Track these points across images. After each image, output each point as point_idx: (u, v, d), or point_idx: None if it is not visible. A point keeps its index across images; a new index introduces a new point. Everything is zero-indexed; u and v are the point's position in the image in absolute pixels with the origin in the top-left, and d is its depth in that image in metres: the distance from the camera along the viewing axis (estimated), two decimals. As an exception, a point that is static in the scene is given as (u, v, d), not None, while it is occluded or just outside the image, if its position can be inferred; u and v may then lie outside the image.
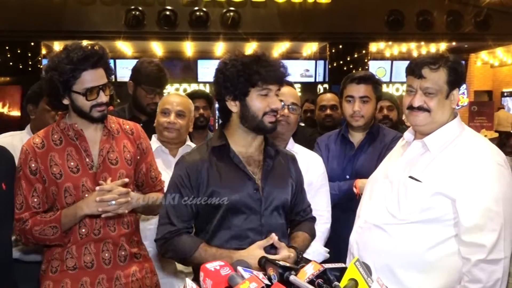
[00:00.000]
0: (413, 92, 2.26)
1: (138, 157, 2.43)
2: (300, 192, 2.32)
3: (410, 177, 2.23)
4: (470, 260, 2.07)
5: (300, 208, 2.32)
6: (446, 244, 2.16)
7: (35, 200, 2.24)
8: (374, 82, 3.05)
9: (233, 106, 2.11)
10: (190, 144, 3.00)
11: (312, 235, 2.33)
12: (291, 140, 2.87)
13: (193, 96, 3.62)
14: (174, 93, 3.16)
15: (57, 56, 2.22)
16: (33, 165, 2.24)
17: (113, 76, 2.51)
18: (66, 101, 2.27)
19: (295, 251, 2.09)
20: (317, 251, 2.66)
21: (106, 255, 2.29)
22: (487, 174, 2.12)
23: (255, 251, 1.98)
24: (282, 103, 2.75)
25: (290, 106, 2.76)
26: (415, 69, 2.23)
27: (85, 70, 2.21)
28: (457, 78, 2.24)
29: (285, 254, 2.01)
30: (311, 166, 2.74)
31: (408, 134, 2.40)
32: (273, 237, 2.02)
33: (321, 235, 2.69)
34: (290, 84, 2.87)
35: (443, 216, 2.15)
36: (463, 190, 2.11)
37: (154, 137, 3.00)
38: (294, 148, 2.82)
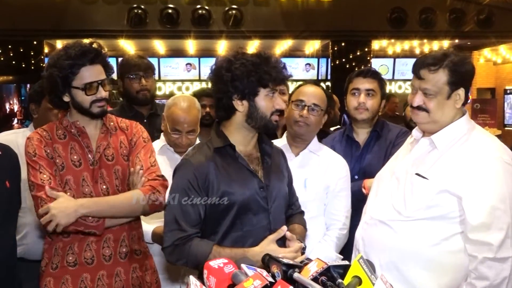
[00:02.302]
0: (414, 91, 2.27)
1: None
2: (291, 184, 2.36)
3: (417, 174, 2.22)
4: (477, 258, 2.06)
5: (292, 201, 2.35)
6: (452, 242, 2.15)
7: (57, 178, 2.24)
8: (380, 79, 3.07)
9: (240, 105, 2.10)
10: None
11: (305, 228, 2.36)
12: (315, 141, 2.81)
13: (201, 94, 3.62)
14: (184, 109, 2.85)
15: (56, 54, 2.26)
16: (48, 150, 2.27)
17: (114, 74, 2.51)
18: (66, 98, 2.29)
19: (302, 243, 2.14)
20: (329, 257, 2.63)
21: (107, 251, 2.31)
22: (493, 173, 2.11)
23: (268, 246, 2.00)
24: (301, 103, 2.73)
25: (310, 107, 2.70)
26: (415, 69, 2.25)
27: (84, 66, 2.24)
28: (460, 78, 2.21)
29: (296, 246, 2.06)
30: (331, 168, 2.72)
31: (416, 132, 2.40)
32: (284, 230, 2.06)
33: (335, 240, 2.68)
34: (318, 84, 2.85)
35: (449, 213, 2.15)
36: (470, 188, 2.10)
37: (162, 135, 2.99)
38: (321, 150, 2.79)
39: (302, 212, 2.42)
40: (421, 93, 2.24)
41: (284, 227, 2.07)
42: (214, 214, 2.09)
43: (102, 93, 2.29)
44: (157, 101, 3.78)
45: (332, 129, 4.31)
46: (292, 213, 2.35)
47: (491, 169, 2.12)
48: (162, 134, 3.00)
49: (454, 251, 2.15)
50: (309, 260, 2.48)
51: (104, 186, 2.32)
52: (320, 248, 2.64)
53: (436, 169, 2.19)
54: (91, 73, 2.26)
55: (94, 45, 2.30)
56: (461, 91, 2.24)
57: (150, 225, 2.77)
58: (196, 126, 2.90)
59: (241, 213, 2.08)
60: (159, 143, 2.97)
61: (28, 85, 8.86)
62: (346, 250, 2.73)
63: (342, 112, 5.42)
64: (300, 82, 2.92)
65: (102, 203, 2.23)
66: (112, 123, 2.43)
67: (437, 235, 2.16)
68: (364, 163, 3.01)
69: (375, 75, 3.05)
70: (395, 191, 2.30)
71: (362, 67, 7.78)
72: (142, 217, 2.52)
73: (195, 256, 2.03)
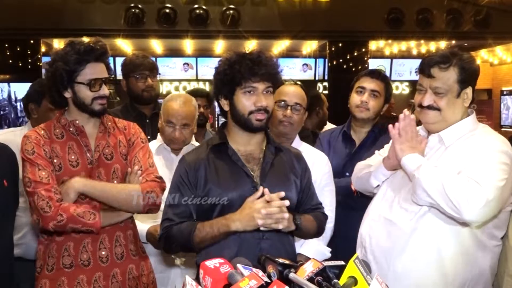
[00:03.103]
0: (423, 90, 2.26)
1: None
2: (308, 189, 2.31)
3: None
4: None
5: (309, 205, 2.31)
6: (461, 241, 2.14)
7: (55, 179, 2.25)
8: (386, 82, 3.11)
9: (225, 105, 2.17)
10: (194, 143, 2.98)
11: (318, 223, 2.28)
12: (297, 139, 2.87)
13: (194, 94, 3.63)
14: (179, 102, 2.90)
15: (63, 49, 2.29)
16: (46, 149, 2.27)
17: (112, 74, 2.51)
18: (67, 94, 2.30)
19: (293, 215, 2.09)
20: (318, 251, 2.65)
21: (103, 253, 2.31)
22: (493, 160, 2.10)
23: (246, 205, 2.02)
24: (283, 103, 2.75)
25: (292, 106, 2.76)
26: (425, 68, 2.23)
27: (89, 62, 2.27)
28: (468, 77, 2.22)
29: (277, 202, 1.99)
30: (316, 165, 2.74)
31: (422, 131, 2.40)
32: (262, 189, 2.03)
33: (323, 234, 2.69)
34: (296, 83, 2.88)
35: None
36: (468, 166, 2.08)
37: (159, 135, 3.00)
38: (301, 146, 2.80)
39: (324, 214, 2.36)
40: (431, 92, 2.23)
41: (261, 188, 2.03)
42: (203, 210, 2.13)
43: (105, 90, 2.32)
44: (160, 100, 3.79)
45: (326, 128, 4.34)
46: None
47: (492, 158, 2.10)
48: (158, 134, 3.01)
49: (462, 251, 2.14)
50: (302, 256, 2.51)
51: None
52: (310, 241, 2.65)
53: (442, 164, 2.18)
54: (96, 70, 2.29)
55: (100, 43, 2.33)
56: (468, 90, 2.25)
57: (145, 224, 2.77)
58: (191, 121, 2.90)
59: (226, 210, 2.09)
60: (156, 143, 2.97)
61: (22, 84, 8.83)
62: (338, 250, 2.73)
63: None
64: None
65: (99, 186, 2.27)
66: (109, 123, 2.44)
67: (446, 233, 2.15)
68: (357, 162, 3.02)
69: (382, 78, 3.10)
70: (403, 189, 2.29)
71: (358, 68, 7.75)
72: (137, 216, 2.52)
73: (181, 236, 2.09)
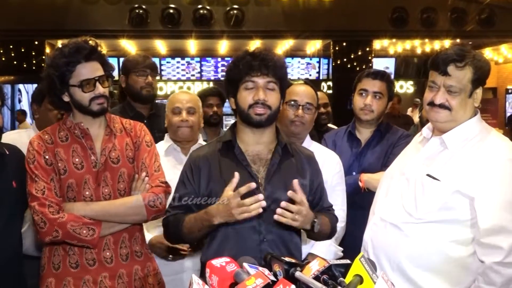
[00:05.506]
0: (436, 88, 2.19)
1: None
2: (320, 191, 2.28)
3: (428, 175, 2.17)
4: (485, 262, 2.02)
5: (321, 207, 2.27)
6: (464, 245, 2.11)
7: (54, 188, 2.25)
8: (389, 81, 3.09)
9: (232, 103, 2.20)
10: (202, 143, 2.98)
11: (332, 226, 2.26)
12: (308, 138, 2.86)
13: (207, 93, 3.64)
14: (182, 91, 3.17)
15: (53, 54, 2.29)
16: (47, 156, 2.26)
17: (115, 73, 2.51)
18: (66, 98, 2.29)
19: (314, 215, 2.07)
20: (330, 250, 2.64)
21: (107, 253, 2.30)
22: (505, 174, 2.07)
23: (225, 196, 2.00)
24: (294, 103, 2.75)
25: (304, 106, 2.75)
26: (440, 65, 2.15)
27: (79, 63, 2.24)
28: (482, 77, 2.17)
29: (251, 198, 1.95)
30: (326, 165, 2.71)
31: (426, 130, 2.34)
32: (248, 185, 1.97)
33: (336, 234, 2.68)
34: (306, 83, 2.87)
35: (461, 216, 2.10)
36: (482, 190, 2.05)
37: (166, 135, 3.00)
38: (311, 146, 2.79)
39: (336, 217, 2.33)
40: (444, 90, 2.16)
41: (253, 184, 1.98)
42: (205, 206, 2.12)
43: (100, 89, 2.28)
44: (158, 101, 3.79)
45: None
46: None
47: (504, 171, 2.07)
48: (166, 134, 3.01)
49: (465, 255, 2.11)
50: (313, 256, 2.51)
51: (106, 190, 2.30)
52: (322, 241, 2.64)
53: (448, 170, 2.14)
54: (87, 70, 2.26)
55: (90, 42, 2.30)
56: (479, 90, 2.19)
57: (148, 234, 2.77)
58: (196, 107, 2.94)
59: None
60: (164, 144, 2.97)
61: (24, 85, 8.88)
62: (346, 247, 2.73)
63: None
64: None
65: (100, 209, 2.27)
66: (116, 125, 2.42)
67: (449, 238, 2.12)
68: (364, 161, 3.03)
69: (384, 77, 3.07)
70: (405, 192, 2.24)
71: (362, 67, 7.72)
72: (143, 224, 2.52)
73: (173, 224, 2.17)
